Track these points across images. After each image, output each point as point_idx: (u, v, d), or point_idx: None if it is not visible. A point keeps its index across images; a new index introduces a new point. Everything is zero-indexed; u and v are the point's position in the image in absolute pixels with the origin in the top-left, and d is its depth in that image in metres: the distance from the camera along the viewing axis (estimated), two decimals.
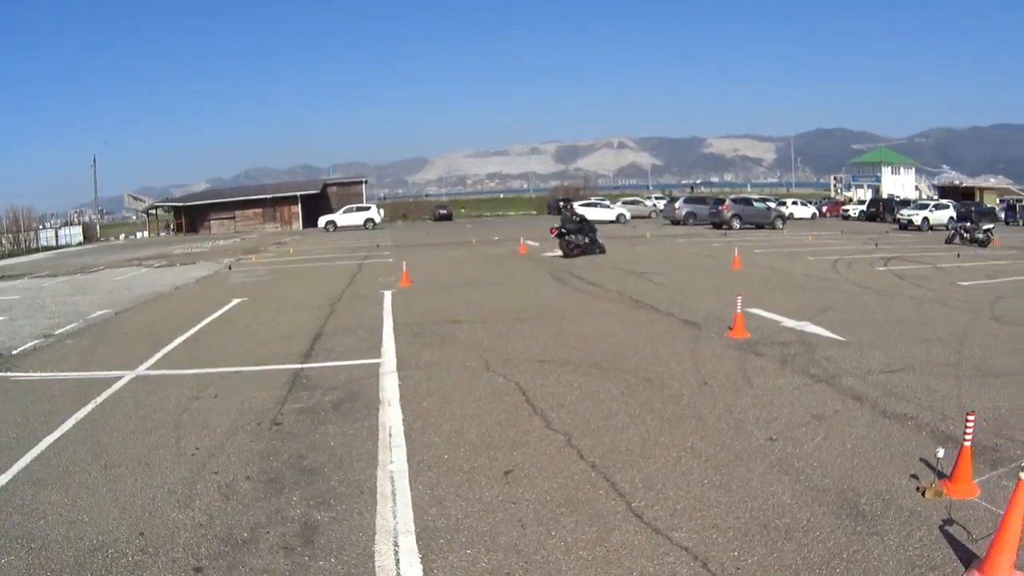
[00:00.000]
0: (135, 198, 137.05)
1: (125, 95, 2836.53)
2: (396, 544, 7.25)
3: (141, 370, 15.12)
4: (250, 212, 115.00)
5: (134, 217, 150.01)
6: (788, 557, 7.01)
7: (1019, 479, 6.53)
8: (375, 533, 7.49)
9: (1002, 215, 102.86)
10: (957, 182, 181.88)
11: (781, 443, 10.09)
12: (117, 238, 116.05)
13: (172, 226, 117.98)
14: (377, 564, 6.90)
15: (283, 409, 11.97)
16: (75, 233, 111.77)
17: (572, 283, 28.00)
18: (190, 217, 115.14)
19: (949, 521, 7.71)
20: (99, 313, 23.73)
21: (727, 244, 46.71)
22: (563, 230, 40.97)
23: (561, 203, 48.09)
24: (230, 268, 39.55)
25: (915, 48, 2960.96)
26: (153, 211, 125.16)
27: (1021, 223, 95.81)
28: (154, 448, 10.29)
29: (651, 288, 26.00)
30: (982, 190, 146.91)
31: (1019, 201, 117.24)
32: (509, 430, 10.75)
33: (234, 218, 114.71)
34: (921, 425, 10.84)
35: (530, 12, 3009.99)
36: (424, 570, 6.77)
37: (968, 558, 6.96)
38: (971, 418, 8.33)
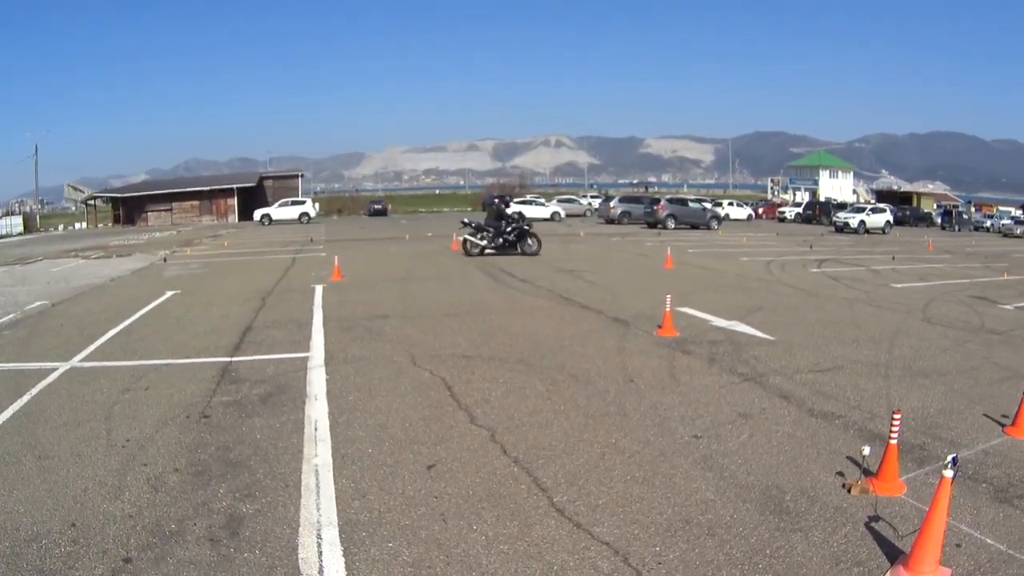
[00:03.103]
0: (75, 188, 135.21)
1: (67, 84, 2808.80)
2: (319, 537, 7.26)
3: (75, 362, 14.90)
4: (187, 204, 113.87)
5: (73, 208, 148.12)
6: (710, 553, 7.05)
7: (942, 477, 6.64)
8: (299, 526, 7.49)
9: (939, 220, 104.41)
10: (895, 187, 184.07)
11: (706, 440, 10.17)
12: (56, 228, 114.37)
13: (111, 217, 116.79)
14: (300, 557, 6.90)
15: (212, 402, 11.87)
16: (15, 223, 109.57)
17: (503, 280, 28.04)
18: (128, 208, 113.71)
19: (875, 518, 7.82)
20: (36, 304, 23.32)
21: (660, 244, 46.82)
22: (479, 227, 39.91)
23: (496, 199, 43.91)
24: (165, 260, 39.15)
25: (855, 54, 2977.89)
26: (92, 202, 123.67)
27: (958, 228, 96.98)
28: (86, 440, 10.18)
29: (582, 286, 26.12)
30: (919, 195, 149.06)
31: (956, 207, 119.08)
32: (433, 425, 10.76)
33: (171, 210, 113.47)
34: (849, 424, 10.99)
35: (470, 10, 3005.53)
36: (346, 563, 6.78)
37: (894, 554, 7.06)
38: (897, 416, 8.46)
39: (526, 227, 39.78)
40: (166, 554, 6.89)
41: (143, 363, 14.53)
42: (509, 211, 41.13)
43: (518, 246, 38.99)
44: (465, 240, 39.13)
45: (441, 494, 8.30)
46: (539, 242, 39.32)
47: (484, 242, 38.68)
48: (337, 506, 7.95)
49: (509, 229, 39.11)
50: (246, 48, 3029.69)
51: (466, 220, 41.18)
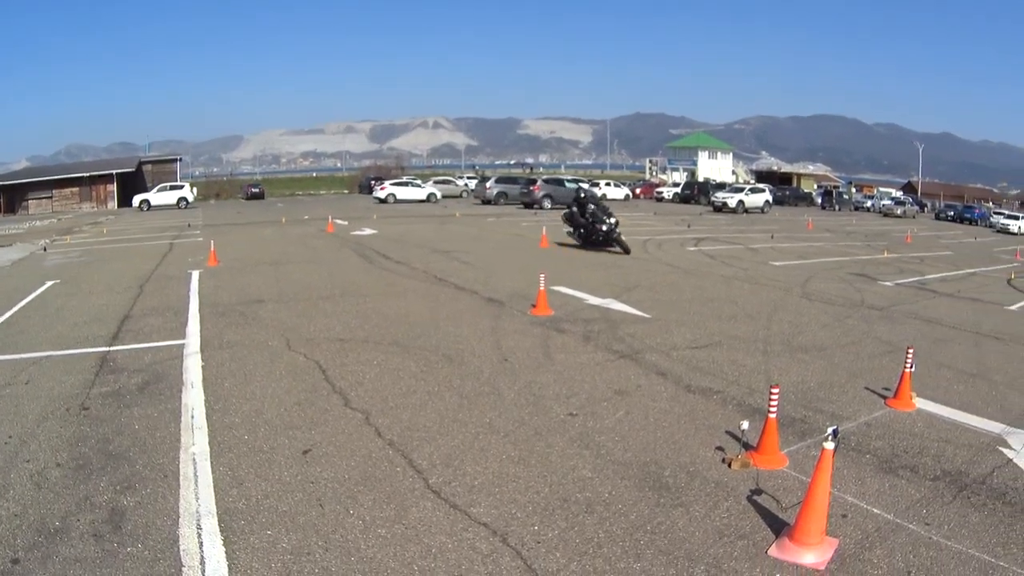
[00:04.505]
0: None
1: None
2: (199, 527, 7.19)
3: None
4: (67, 191, 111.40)
5: None
6: (590, 530, 7.11)
7: (823, 448, 6.76)
8: (179, 516, 7.40)
9: (819, 200, 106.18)
10: (775, 168, 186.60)
11: (581, 418, 10.26)
12: None
13: None
14: (182, 548, 6.82)
15: (91, 393, 11.63)
16: None
17: (378, 262, 27.93)
18: (8, 197, 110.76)
19: (757, 491, 7.98)
20: None
21: (536, 223, 46.74)
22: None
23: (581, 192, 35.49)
24: (45, 250, 38.37)
25: (737, 37, 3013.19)
26: None
27: (838, 208, 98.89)
28: None
29: (457, 266, 26.21)
30: (800, 176, 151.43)
31: (836, 187, 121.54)
32: (308, 409, 10.71)
33: (51, 197, 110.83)
34: (727, 399, 11.20)
35: None
36: (227, 552, 6.74)
37: (779, 526, 7.21)
38: (775, 390, 8.62)
39: (604, 229, 32.59)
40: (52, 553, 6.77)
41: (24, 356, 14.22)
42: (587, 212, 33.32)
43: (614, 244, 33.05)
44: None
45: (317, 479, 8.29)
46: (623, 248, 32.27)
47: (579, 241, 34.12)
48: (215, 495, 7.89)
49: (588, 232, 33.05)
50: (125, 31, 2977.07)
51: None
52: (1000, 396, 12.09)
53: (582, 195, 33.97)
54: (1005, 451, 9.55)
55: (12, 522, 7.37)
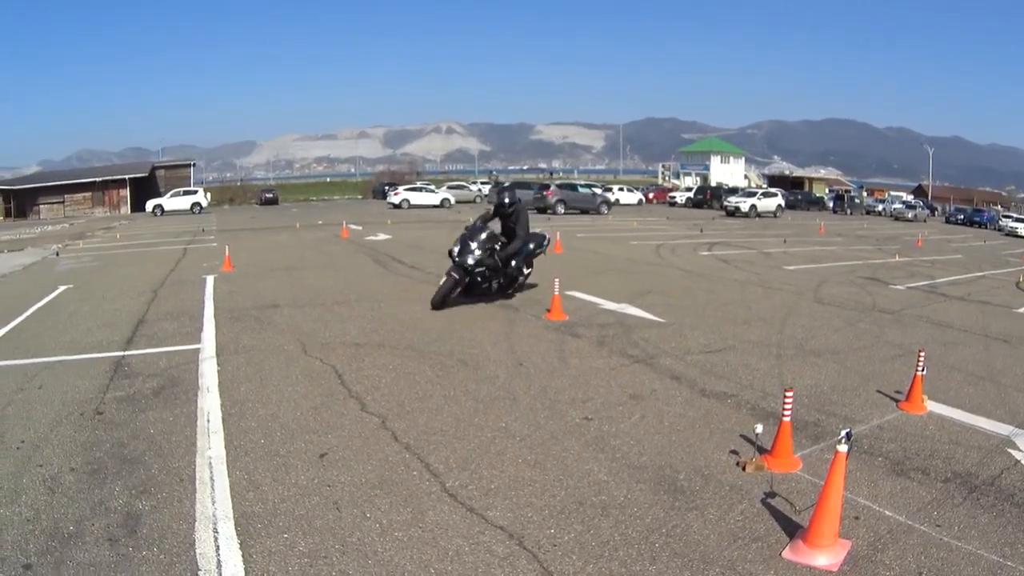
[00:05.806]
0: None
1: None
2: (216, 531, 7.16)
3: None
4: (79, 196, 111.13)
5: None
6: (606, 533, 7.10)
7: (837, 451, 6.77)
8: (195, 520, 7.36)
9: (830, 204, 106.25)
10: (787, 172, 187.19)
11: (597, 422, 10.25)
12: None
13: (2, 211, 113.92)
14: (198, 551, 6.79)
15: (105, 398, 11.59)
16: None
17: (392, 267, 27.93)
18: (19, 201, 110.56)
19: (771, 494, 7.97)
20: None
21: (550, 228, 46.32)
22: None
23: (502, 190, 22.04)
24: (57, 255, 38.25)
25: (747, 42, 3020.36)
26: None
27: (850, 212, 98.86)
28: None
29: None
30: (812, 180, 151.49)
31: (848, 191, 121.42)
32: (324, 413, 10.70)
33: (63, 202, 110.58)
34: (741, 403, 11.19)
35: None
36: (243, 556, 6.72)
37: (792, 529, 7.19)
38: (789, 394, 8.63)
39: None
40: (66, 558, 6.74)
41: (36, 361, 14.17)
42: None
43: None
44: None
45: (334, 483, 8.28)
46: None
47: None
48: (232, 498, 7.88)
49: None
50: (137, 36, 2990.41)
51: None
52: (1008, 398, 12.12)
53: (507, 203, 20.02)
54: (1013, 453, 9.59)
55: (24, 527, 7.33)
